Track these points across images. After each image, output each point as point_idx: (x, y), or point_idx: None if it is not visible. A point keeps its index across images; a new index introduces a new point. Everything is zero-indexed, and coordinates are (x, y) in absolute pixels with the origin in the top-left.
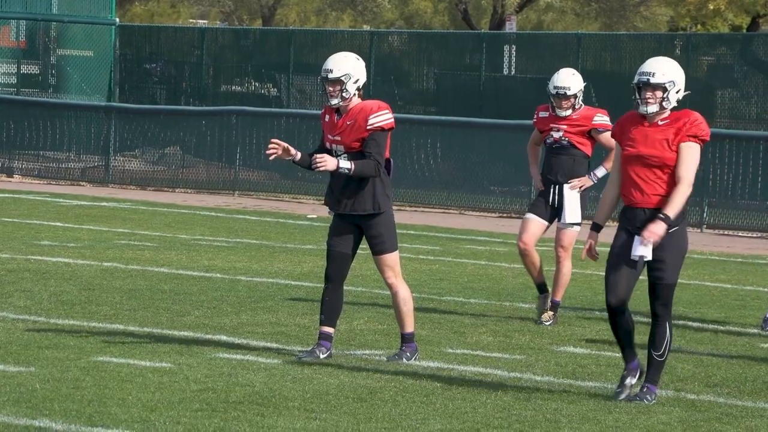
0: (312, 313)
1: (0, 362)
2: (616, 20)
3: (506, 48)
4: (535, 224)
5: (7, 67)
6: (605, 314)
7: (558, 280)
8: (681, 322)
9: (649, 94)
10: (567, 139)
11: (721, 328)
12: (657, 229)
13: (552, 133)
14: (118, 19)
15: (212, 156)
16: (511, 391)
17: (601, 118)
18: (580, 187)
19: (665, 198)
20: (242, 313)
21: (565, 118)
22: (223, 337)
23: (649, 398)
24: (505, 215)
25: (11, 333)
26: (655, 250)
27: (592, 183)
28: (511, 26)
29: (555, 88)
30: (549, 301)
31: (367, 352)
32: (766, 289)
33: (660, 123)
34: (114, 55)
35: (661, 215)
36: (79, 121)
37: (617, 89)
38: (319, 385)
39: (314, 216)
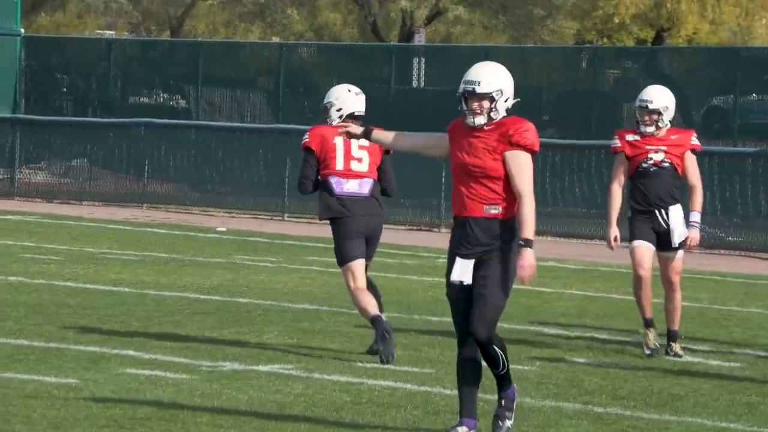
0: (221, 328)
1: None
2: (524, 33)
3: (415, 60)
4: (650, 251)
5: None
6: (513, 326)
7: (676, 308)
8: (588, 334)
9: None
10: (669, 161)
11: (628, 340)
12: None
13: (650, 155)
14: (23, 30)
15: (120, 168)
16: (421, 405)
17: (696, 139)
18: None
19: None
20: (150, 327)
21: (662, 138)
22: (131, 352)
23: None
24: (414, 228)
25: None
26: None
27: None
28: (420, 39)
29: (639, 100)
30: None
31: (276, 366)
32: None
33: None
34: (19, 66)
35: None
36: None
37: (524, 102)
38: (227, 401)
39: (223, 229)
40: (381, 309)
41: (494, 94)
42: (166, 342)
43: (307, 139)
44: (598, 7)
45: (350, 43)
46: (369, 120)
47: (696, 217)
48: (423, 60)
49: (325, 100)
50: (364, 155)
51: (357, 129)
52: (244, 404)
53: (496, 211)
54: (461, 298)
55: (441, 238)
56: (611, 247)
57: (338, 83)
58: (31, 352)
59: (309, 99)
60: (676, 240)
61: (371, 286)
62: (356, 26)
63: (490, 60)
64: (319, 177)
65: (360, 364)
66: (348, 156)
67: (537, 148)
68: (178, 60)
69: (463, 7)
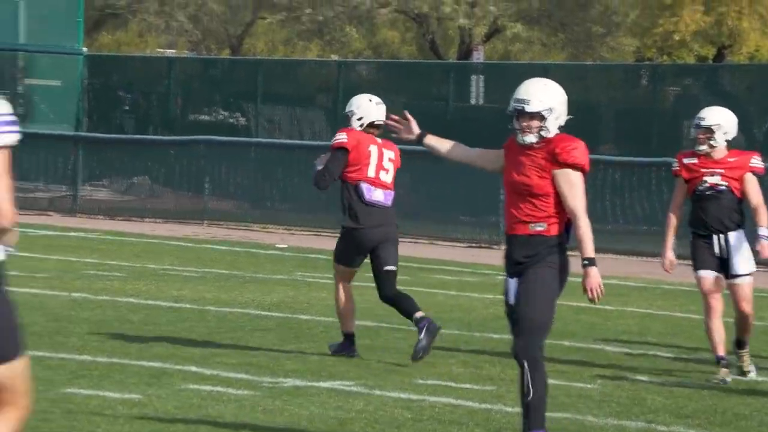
0: (282, 344)
1: None
2: (583, 51)
3: (473, 78)
4: (715, 279)
5: None
6: (575, 344)
7: (746, 330)
8: (651, 352)
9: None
10: (726, 183)
11: (692, 357)
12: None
13: (705, 178)
14: (85, 49)
15: (181, 185)
16: (482, 423)
17: (758, 161)
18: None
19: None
20: (211, 343)
21: (719, 161)
22: (193, 368)
23: None
24: (474, 245)
25: None
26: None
27: None
28: (478, 56)
29: (695, 118)
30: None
31: (337, 383)
32: (732, 320)
33: None
34: (82, 85)
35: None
36: (46, 150)
37: (584, 120)
38: (289, 417)
39: (284, 246)
40: (418, 307)
41: (544, 113)
42: (227, 358)
43: (345, 140)
44: (658, 24)
45: (408, 61)
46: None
47: (764, 231)
48: (481, 77)
49: (347, 109)
50: (391, 168)
51: (411, 133)
52: (306, 420)
53: (541, 228)
54: (511, 317)
55: (500, 255)
56: (666, 271)
57: (396, 101)
58: (95, 368)
59: None
60: (738, 269)
61: (404, 296)
62: (414, 44)
63: (549, 77)
64: (340, 178)
65: (421, 381)
66: (380, 166)
67: (586, 166)
68: (237, 78)
69: (522, 25)
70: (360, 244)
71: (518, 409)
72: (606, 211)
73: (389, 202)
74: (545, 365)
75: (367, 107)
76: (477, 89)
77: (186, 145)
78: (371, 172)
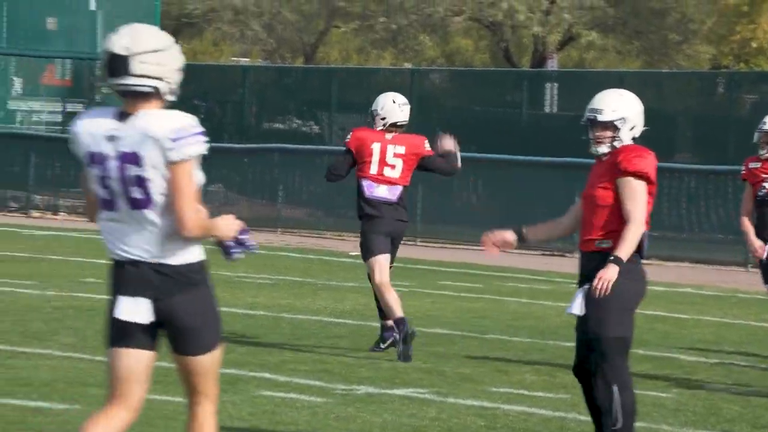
0: (355, 351)
1: (46, 399)
2: (658, 58)
3: (547, 86)
4: None
5: (53, 106)
6: (649, 352)
7: None
8: (727, 361)
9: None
10: None
11: None
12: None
13: (764, 184)
14: None
15: (255, 193)
16: (556, 431)
17: None
18: None
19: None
20: (285, 350)
21: None
22: (267, 375)
23: None
24: (547, 253)
25: (57, 370)
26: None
27: None
28: (552, 64)
29: (761, 122)
30: None
31: (410, 390)
32: None
33: None
34: None
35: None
36: None
37: (659, 128)
38: (362, 424)
39: (357, 253)
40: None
41: (617, 122)
42: (301, 365)
43: (348, 140)
44: (735, 32)
45: (482, 69)
46: (497, 144)
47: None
48: (555, 85)
49: (372, 107)
50: (398, 162)
51: (509, 245)
52: (378, 428)
53: (606, 245)
54: (577, 329)
55: (573, 264)
56: (760, 256)
57: (469, 109)
58: (170, 374)
59: (441, 124)
60: None
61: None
62: (488, 52)
63: (624, 85)
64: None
65: (494, 389)
66: (383, 162)
67: (650, 175)
68: (311, 86)
69: (597, 33)
70: (373, 229)
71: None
72: (682, 219)
73: (395, 197)
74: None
75: (392, 108)
76: (551, 97)
77: (260, 153)
78: (373, 170)
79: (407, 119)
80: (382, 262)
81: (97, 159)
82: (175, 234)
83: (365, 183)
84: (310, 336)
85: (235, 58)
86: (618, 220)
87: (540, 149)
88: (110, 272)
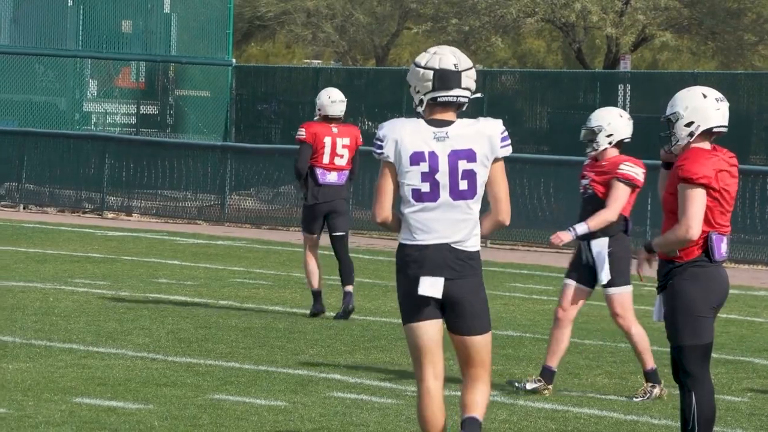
0: None
1: (120, 399)
2: (734, 59)
3: (620, 87)
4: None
5: (127, 108)
6: (724, 356)
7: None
8: None
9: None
10: (592, 188)
11: None
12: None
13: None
14: (234, 60)
15: None
16: None
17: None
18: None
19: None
20: (356, 352)
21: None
22: (338, 376)
23: None
24: None
25: (130, 370)
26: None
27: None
28: (625, 65)
29: None
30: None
31: None
32: None
33: None
34: (230, 95)
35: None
36: (195, 160)
37: (734, 129)
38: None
39: None
40: (352, 281)
41: (671, 117)
42: (371, 367)
43: (303, 135)
44: None
45: (554, 70)
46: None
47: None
48: (628, 86)
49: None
50: (345, 152)
51: (642, 259)
52: (449, 429)
53: (673, 253)
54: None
55: (646, 266)
56: None
57: (541, 111)
58: (242, 375)
59: (512, 126)
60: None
61: (349, 261)
62: (560, 53)
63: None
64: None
65: (565, 391)
66: (333, 153)
67: (696, 178)
68: (382, 88)
69: (671, 34)
70: (316, 216)
71: (665, 422)
72: (755, 221)
73: (342, 181)
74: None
75: (324, 103)
76: (624, 99)
77: None
78: (326, 159)
79: (339, 114)
80: (314, 241)
81: (423, 157)
82: (478, 223)
83: (318, 171)
84: (381, 337)
85: (307, 60)
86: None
87: None
88: (406, 254)
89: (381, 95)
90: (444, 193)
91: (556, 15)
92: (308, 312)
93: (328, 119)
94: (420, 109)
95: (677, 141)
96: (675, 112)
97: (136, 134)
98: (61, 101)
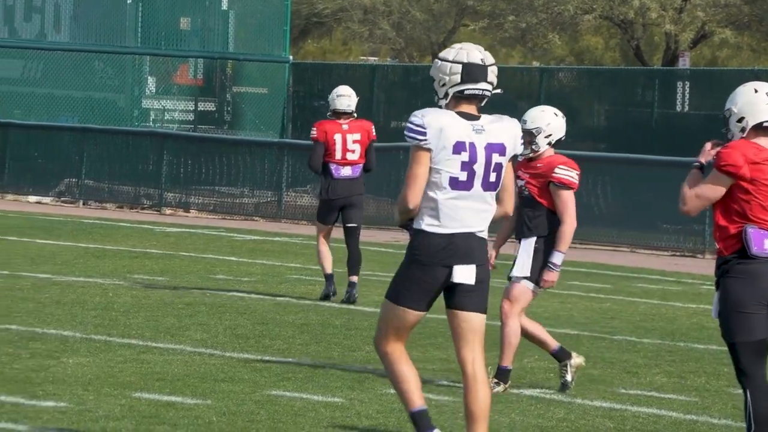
0: (485, 351)
1: (178, 394)
2: None
3: (679, 84)
4: None
5: (185, 105)
6: None
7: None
8: None
9: None
10: (528, 190)
11: None
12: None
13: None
14: (291, 57)
15: (380, 192)
16: None
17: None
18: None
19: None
20: (413, 349)
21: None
22: None
23: None
24: (677, 254)
25: (189, 366)
26: None
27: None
28: (684, 62)
29: None
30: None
31: (538, 390)
32: None
33: None
34: (287, 92)
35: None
36: (253, 156)
37: None
38: (490, 424)
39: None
40: (357, 272)
41: (725, 113)
42: (428, 364)
43: (315, 134)
44: None
45: (612, 68)
46: (627, 143)
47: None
48: (687, 84)
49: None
50: (357, 147)
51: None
52: (506, 428)
53: (718, 247)
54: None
55: (705, 265)
56: None
57: (599, 108)
58: (299, 371)
59: (569, 123)
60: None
61: (358, 253)
62: (618, 50)
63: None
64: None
65: (623, 390)
66: (345, 149)
67: (727, 166)
68: None
69: (731, 30)
70: (331, 209)
71: (725, 421)
72: None
73: (357, 174)
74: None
75: (332, 98)
76: (682, 96)
77: (387, 152)
78: (338, 155)
79: (348, 108)
80: (327, 232)
81: (465, 147)
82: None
83: (333, 166)
84: (438, 335)
85: (363, 57)
86: (722, 222)
87: (671, 148)
88: (432, 242)
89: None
90: (477, 183)
91: (614, 12)
92: (319, 295)
93: (337, 115)
94: (444, 102)
95: (732, 137)
96: (728, 108)
97: (194, 131)
98: (120, 98)
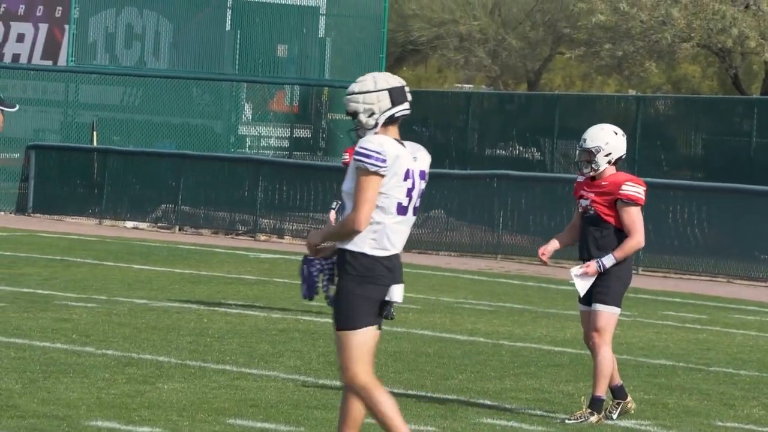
0: (576, 381)
1: (272, 421)
2: None
3: None
4: None
5: (281, 131)
6: None
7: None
8: None
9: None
10: (594, 209)
11: None
12: None
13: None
14: None
15: (474, 219)
16: None
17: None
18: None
19: None
20: (506, 378)
21: None
22: (487, 402)
23: None
24: None
25: (282, 392)
26: None
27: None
28: None
29: None
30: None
31: (633, 422)
32: None
33: None
34: None
35: None
36: None
37: None
38: None
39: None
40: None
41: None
42: (521, 393)
43: (347, 158)
44: None
45: (709, 96)
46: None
47: None
48: None
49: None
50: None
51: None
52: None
53: None
54: None
55: None
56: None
57: (696, 137)
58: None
59: (666, 152)
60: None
61: None
62: (716, 79)
63: None
64: None
65: (719, 422)
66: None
67: None
68: (534, 113)
69: None
70: None
71: None
72: None
73: None
74: None
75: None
76: None
77: (480, 179)
78: None
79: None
80: None
81: (410, 175)
82: None
83: None
84: (530, 364)
85: (458, 85)
86: None
87: None
88: (377, 264)
89: (532, 120)
90: (410, 208)
91: (712, 40)
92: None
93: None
94: (374, 132)
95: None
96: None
97: (289, 157)
98: (216, 124)
